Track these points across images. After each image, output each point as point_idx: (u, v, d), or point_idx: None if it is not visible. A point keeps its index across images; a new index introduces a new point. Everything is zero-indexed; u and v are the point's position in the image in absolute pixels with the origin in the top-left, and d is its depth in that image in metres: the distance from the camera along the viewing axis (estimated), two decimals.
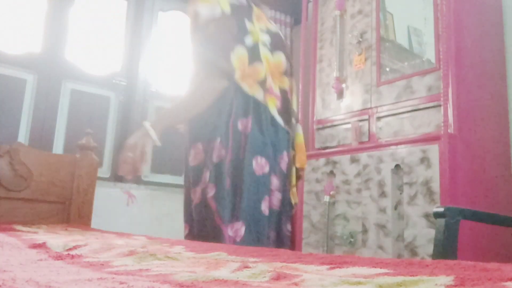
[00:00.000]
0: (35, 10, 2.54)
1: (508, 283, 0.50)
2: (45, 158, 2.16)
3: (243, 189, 1.48)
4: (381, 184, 2.08)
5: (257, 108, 1.53)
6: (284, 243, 1.55)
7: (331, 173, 2.38)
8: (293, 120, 1.64)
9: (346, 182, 2.28)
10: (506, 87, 2.21)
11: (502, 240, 1.93)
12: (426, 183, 1.88)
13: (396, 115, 2.15)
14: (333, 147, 2.48)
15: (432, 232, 1.78)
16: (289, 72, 1.66)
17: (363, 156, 2.20)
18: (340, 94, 2.50)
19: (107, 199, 2.49)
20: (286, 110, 1.61)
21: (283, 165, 1.60)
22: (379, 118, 2.24)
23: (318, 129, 2.61)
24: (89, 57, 2.69)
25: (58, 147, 2.47)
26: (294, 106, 1.69)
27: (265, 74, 1.55)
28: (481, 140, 1.99)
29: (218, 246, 1.21)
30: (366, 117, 2.31)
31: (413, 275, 0.60)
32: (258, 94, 1.52)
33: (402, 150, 2.02)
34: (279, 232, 1.55)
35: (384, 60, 2.29)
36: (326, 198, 2.34)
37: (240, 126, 1.51)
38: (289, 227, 1.57)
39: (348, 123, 2.41)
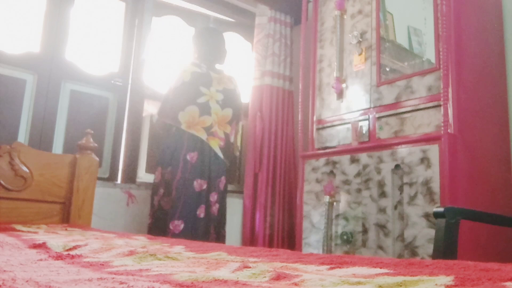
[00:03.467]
0: (35, 10, 2.54)
1: (508, 283, 0.50)
2: (45, 158, 2.16)
3: (185, 199, 2.30)
4: (381, 184, 2.08)
5: (202, 146, 2.40)
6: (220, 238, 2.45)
7: (331, 173, 2.38)
8: (232, 150, 2.56)
9: (346, 182, 2.28)
10: (506, 87, 2.21)
11: (502, 240, 1.93)
12: (426, 183, 1.88)
13: (396, 115, 2.15)
14: (333, 147, 2.48)
15: (432, 232, 1.78)
16: (235, 121, 2.57)
17: (363, 156, 2.20)
18: (340, 94, 2.50)
19: (107, 199, 2.49)
20: (227, 147, 2.51)
21: (221, 185, 2.47)
22: (379, 118, 2.24)
23: (318, 129, 2.61)
24: (88, 57, 2.69)
25: (58, 147, 2.47)
26: (238, 141, 2.62)
27: (211, 123, 2.44)
28: (481, 140, 1.99)
29: (218, 246, 1.21)
30: (366, 117, 2.31)
31: (413, 275, 0.60)
32: (203, 136, 2.41)
33: (402, 150, 2.02)
34: (215, 228, 2.42)
35: (384, 60, 2.28)
36: (326, 198, 2.34)
37: (188, 157, 2.37)
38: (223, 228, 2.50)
39: (348, 123, 2.41)
